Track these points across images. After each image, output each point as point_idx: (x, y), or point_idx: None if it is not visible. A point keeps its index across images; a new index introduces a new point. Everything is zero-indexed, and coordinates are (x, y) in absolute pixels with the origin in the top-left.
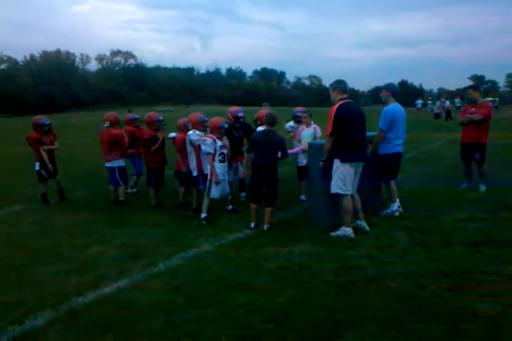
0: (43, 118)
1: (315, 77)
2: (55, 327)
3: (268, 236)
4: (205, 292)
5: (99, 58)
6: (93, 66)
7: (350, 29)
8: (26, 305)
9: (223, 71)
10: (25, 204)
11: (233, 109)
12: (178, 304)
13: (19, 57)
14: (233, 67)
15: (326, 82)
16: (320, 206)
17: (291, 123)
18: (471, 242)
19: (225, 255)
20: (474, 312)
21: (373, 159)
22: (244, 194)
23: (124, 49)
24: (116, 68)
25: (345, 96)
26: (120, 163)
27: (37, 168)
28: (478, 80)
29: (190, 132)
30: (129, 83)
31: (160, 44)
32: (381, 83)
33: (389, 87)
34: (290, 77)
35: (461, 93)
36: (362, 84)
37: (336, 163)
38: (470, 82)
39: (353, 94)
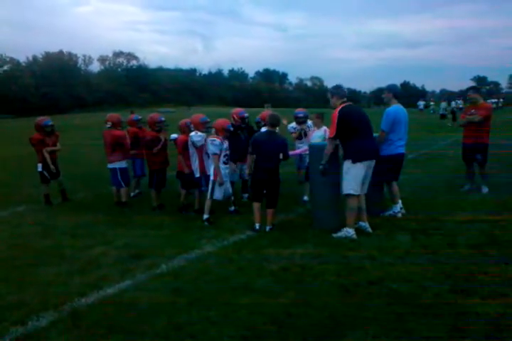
0: (46, 120)
1: (317, 78)
2: (57, 328)
3: (270, 237)
4: (207, 293)
5: (102, 59)
6: (95, 67)
7: (352, 30)
8: (29, 305)
9: (225, 72)
10: (27, 205)
11: (237, 110)
12: (180, 305)
13: (21, 58)
14: (235, 69)
15: (328, 83)
16: (322, 207)
17: (294, 124)
18: (474, 244)
19: (227, 256)
20: (476, 314)
21: (375, 160)
22: (246, 195)
23: (126, 50)
24: (119, 69)
25: (345, 100)
26: (122, 164)
27: (39, 169)
28: (481, 81)
29: (193, 133)
30: (132, 84)
31: (162, 45)
32: (383, 84)
33: (391, 88)
34: (292, 78)
35: (462, 94)
36: (364, 86)
37: (347, 164)
38: (472, 83)
39: (355, 95)
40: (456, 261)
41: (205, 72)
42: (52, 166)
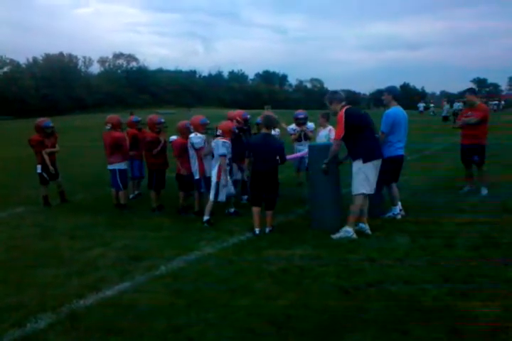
0: (46, 121)
1: (317, 80)
2: (55, 330)
3: (269, 238)
4: (206, 295)
5: (102, 61)
6: (95, 69)
7: (352, 32)
8: (27, 307)
9: (225, 74)
10: (26, 206)
11: (239, 112)
12: (179, 307)
13: (22, 59)
14: (235, 70)
15: (328, 85)
16: (321, 207)
17: (293, 125)
18: (473, 245)
19: (227, 258)
20: (475, 316)
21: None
22: (246, 197)
23: (126, 52)
24: (119, 71)
25: (344, 103)
26: (121, 165)
27: (38, 170)
28: (481, 83)
29: (192, 135)
30: (132, 86)
31: (162, 47)
32: (383, 86)
33: (390, 89)
34: (292, 79)
35: (462, 96)
36: (364, 87)
37: (358, 164)
38: (472, 85)
39: (355, 97)
40: (455, 263)
41: (205, 73)
42: (51, 167)
